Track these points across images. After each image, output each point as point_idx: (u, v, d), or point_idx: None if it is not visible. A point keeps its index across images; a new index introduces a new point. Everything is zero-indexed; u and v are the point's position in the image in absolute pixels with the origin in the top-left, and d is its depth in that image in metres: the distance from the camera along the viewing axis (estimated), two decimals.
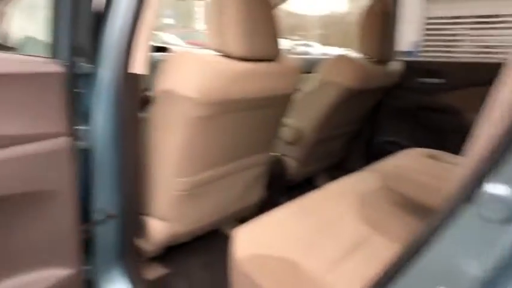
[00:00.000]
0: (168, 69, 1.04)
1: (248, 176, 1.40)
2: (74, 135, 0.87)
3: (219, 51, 1.07)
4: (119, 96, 0.92)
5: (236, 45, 1.03)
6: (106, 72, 0.91)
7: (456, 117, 1.84)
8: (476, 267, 0.49)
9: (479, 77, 1.77)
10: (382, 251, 0.93)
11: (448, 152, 1.33)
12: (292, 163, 1.86)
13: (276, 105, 1.26)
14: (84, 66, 0.88)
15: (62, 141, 0.83)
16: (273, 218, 1.03)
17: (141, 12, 0.90)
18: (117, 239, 1.05)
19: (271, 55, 1.13)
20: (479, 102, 1.84)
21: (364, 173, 1.49)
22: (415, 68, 1.95)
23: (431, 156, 1.20)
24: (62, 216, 0.88)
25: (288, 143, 1.79)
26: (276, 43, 1.13)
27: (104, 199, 1.00)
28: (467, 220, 0.50)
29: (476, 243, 0.50)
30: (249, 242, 0.92)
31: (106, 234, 1.03)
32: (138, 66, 0.94)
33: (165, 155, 1.12)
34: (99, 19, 0.90)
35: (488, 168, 0.48)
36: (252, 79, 1.08)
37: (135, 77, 0.94)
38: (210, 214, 1.34)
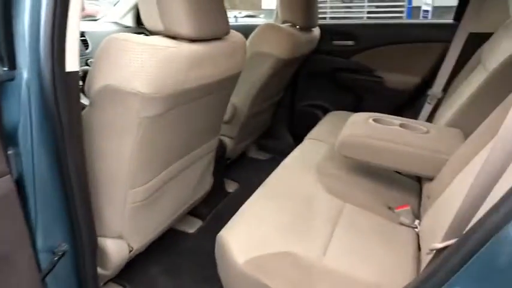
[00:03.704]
0: (105, 60, 0.83)
1: (200, 166, 1.30)
2: (8, 166, 0.63)
3: (161, 33, 0.90)
4: (51, 104, 0.69)
5: (186, 25, 0.87)
6: (29, 76, 0.68)
7: (368, 76, 1.99)
8: None
9: (383, 36, 1.92)
10: (358, 220, 0.99)
11: (365, 110, 1.39)
12: (228, 142, 1.79)
13: (227, 86, 1.15)
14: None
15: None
16: (253, 214, 0.98)
17: None
18: (74, 271, 0.88)
19: (222, 33, 1.01)
20: (386, 60, 1.98)
21: (308, 143, 1.51)
22: (328, 32, 2.01)
23: (376, 120, 1.26)
24: (19, 280, 0.68)
25: (224, 122, 1.71)
26: (226, 19, 1.00)
27: (53, 235, 0.80)
28: None
29: None
30: (243, 244, 0.86)
31: (63, 270, 0.85)
32: (70, 62, 0.71)
33: (114, 165, 0.95)
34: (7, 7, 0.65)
35: None
36: (208, 62, 0.94)
37: (69, 76, 0.71)
38: (166, 218, 1.21)
